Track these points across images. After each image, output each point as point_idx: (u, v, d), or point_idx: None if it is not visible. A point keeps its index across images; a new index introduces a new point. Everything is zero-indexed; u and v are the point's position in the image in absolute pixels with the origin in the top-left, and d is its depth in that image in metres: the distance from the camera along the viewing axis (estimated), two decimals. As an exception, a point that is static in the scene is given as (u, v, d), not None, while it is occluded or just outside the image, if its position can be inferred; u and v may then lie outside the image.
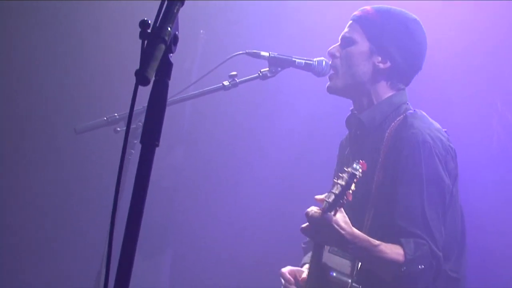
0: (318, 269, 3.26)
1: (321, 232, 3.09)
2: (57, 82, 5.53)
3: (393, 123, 3.40)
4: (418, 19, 3.55)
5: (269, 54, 3.72)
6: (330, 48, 3.53)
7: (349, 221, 3.06)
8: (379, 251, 3.10)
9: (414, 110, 3.46)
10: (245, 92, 4.55)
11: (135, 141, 3.52)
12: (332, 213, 3.01)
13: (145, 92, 1.81)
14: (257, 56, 3.72)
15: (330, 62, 3.54)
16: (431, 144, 3.29)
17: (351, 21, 3.55)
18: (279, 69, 3.72)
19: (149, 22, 1.76)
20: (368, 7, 3.54)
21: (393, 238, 3.16)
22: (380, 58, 3.46)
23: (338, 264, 3.24)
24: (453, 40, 5.11)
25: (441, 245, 3.21)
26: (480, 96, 5.09)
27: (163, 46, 1.74)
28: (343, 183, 2.95)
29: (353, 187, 2.96)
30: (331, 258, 3.25)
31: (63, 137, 5.31)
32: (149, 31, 1.76)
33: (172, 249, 5.86)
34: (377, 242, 3.11)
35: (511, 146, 4.91)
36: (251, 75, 3.76)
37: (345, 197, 2.98)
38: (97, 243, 4.11)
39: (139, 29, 1.76)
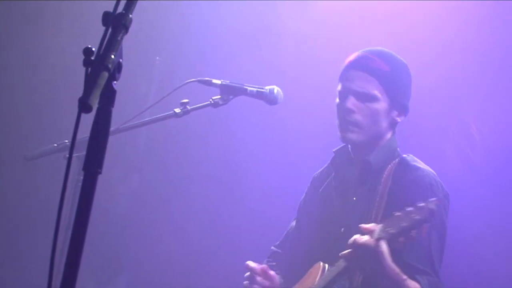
0: None
1: (364, 260, 3.15)
2: (7, 107, 5.49)
3: (389, 165, 3.52)
4: None
5: (221, 82, 3.73)
6: (348, 104, 3.52)
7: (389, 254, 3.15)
8: (405, 285, 3.20)
9: (408, 155, 3.60)
10: (199, 119, 4.56)
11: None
12: (384, 242, 3.08)
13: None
14: (209, 83, 3.72)
15: (348, 117, 3.53)
16: (435, 188, 3.44)
17: (363, 73, 3.55)
18: (231, 97, 3.72)
19: (93, 49, 1.76)
20: (374, 56, 3.58)
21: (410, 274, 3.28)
22: (397, 113, 3.58)
23: None
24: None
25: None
26: (434, 124, 5.15)
27: (106, 74, 1.73)
28: (417, 217, 3.00)
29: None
30: None
31: (13, 164, 5.26)
32: (92, 58, 1.75)
33: (126, 275, 5.82)
34: (404, 276, 3.21)
35: (466, 176, 4.94)
36: (203, 102, 3.77)
37: (414, 230, 3.02)
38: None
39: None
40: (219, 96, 3.73)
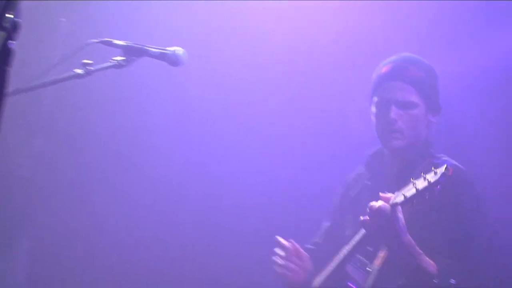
0: (339, 273, 3.56)
1: (380, 226, 3.27)
2: None
3: (425, 162, 3.65)
4: None
5: (124, 42, 3.67)
6: (391, 114, 3.71)
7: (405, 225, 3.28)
8: (420, 259, 3.35)
9: (442, 155, 3.79)
10: (106, 80, 4.55)
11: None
12: (399, 209, 3.23)
13: None
14: (111, 44, 3.65)
15: (392, 126, 3.74)
16: (467, 186, 3.65)
17: (401, 83, 3.76)
18: (134, 58, 3.65)
19: (-11, 9, 1.75)
20: (407, 65, 3.80)
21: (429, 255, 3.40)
22: (431, 115, 3.80)
23: (359, 280, 3.52)
24: (312, 36, 5.26)
25: (475, 274, 3.47)
26: (341, 91, 5.25)
27: (3, 34, 1.74)
28: (431, 179, 3.12)
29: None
30: (355, 271, 3.53)
31: None
32: (-12, 18, 1.75)
33: (29, 240, 5.75)
34: (420, 251, 3.35)
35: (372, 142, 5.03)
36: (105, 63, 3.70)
37: (428, 193, 3.15)
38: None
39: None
40: (122, 58, 3.66)
